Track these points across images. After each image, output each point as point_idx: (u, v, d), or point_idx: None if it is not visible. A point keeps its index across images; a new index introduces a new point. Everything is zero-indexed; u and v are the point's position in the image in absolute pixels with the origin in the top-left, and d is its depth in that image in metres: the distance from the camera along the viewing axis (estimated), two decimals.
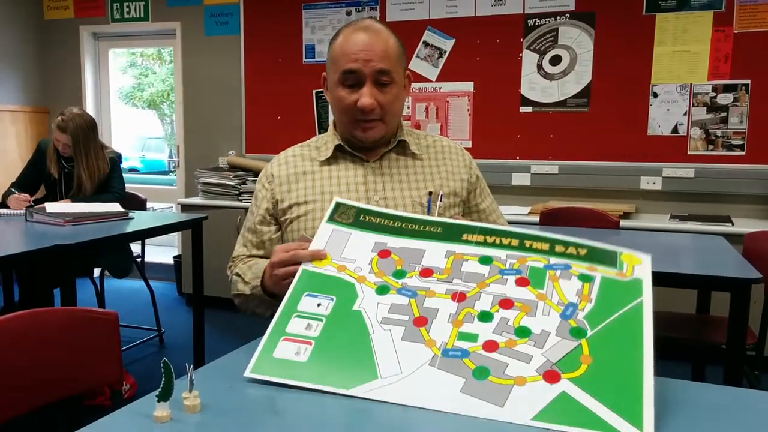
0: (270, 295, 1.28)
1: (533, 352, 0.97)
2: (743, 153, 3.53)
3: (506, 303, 1.04)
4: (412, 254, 1.15)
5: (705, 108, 3.58)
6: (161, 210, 5.21)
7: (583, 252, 1.10)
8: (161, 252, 5.34)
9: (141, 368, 3.32)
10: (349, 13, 4.25)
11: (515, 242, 1.14)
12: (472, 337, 1.00)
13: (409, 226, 1.20)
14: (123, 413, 0.89)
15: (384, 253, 1.16)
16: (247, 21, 4.50)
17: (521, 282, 1.07)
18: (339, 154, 1.44)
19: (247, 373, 1.02)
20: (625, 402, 0.88)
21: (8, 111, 4.92)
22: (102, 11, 4.95)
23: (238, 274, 1.39)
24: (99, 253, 3.35)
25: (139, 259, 3.71)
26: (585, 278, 1.06)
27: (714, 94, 3.55)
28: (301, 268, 1.16)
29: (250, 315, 1.39)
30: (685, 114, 3.61)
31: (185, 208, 4.22)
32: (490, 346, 0.99)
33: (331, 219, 1.23)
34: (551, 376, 0.93)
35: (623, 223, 3.17)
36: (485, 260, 1.11)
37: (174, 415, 0.87)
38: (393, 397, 0.94)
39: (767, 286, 2.25)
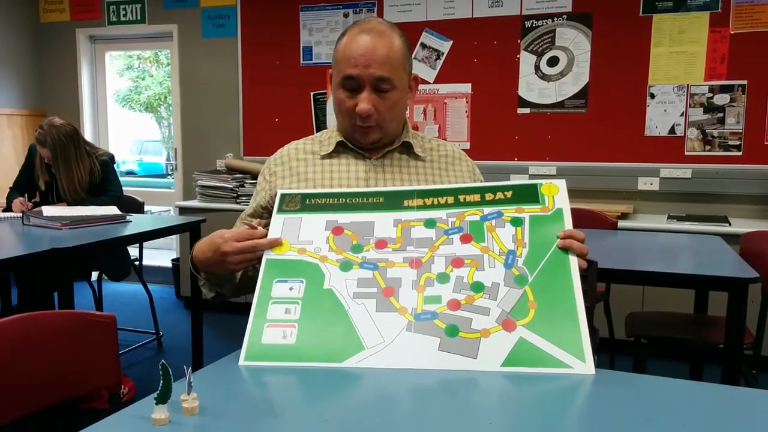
0: (199, 272, 1.31)
1: (489, 304, 1.11)
2: (740, 153, 3.54)
3: (457, 262, 1.16)
4: (363, 227, 1.23)
5: (702, 109, 3.58)
6: (159, 213, 5.20)
7: (509, 194, 1.24)
8: (159, 255, 5.33)
9: (139, 372, 3.31)
10: (346, 15, 4.25)
11: (450, 199, 1.25)
12: (436, 299, 1.12)
13: (354, 200, 1.28)
14: (121, 416, 0.89)
15: (337, 230, 1.23)
16: (245, 23, 4.50)
17: (465, 239, 1.19)
18: (341, 149, 1.44)
19: (241, 362, 1.07)
20: (568, 338, 1.06)
21: (5, 114, 4.92)
22: (98, 14, 4.95)
23: None
24: (97, 255, 3.35)
25: (137, 263, 3.70)
26: (516, 222, 1.20)
27: (711, 95, 3.56)
28: (264, 258, 1.21)
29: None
30: (682, 115, 3.62)
31: (183, 211, 4.21)
32: (454, 304, 1.11)
33: (280, 210, 1.29)
34: (508, 325, 1.08)
35: (621, 223, 3.18)
36: (430, 223, 1.22)
37: (173, 417, 0.87)
38: (382, 363, 1.05)
39: (764, 285, 2.25)
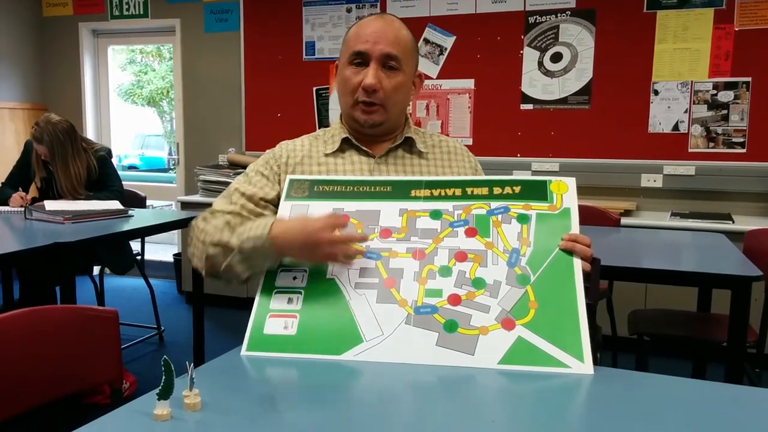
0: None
1: (490, 302, 1.10)
2: (744, 150, 3.52)
3: (461, 256, 1.16)
4: (368, 216, 1.23)
5: (706, 105, 3.57)
6: (161, 208, 5.20)
7: (517, 189, 1.23)
8: (161, 250, 5.34)
9: (141, 366, 3.32)
10: (349, 10, 4.24)
11: (458, 191, 1.25)
12: (437, 293, 1.12)
13: (362, 189, 1.28)
14: (123, 411, 0.89)
15: None
16: (247, 18, 4.49)
17: (470, 232, 1.19)
18: (346, 147, 1.44)
19: (243, 352, 1.10)
20: (567, 338, 1.05)
21: (7, 108, 4.92)
22: (101, 8, 4.94)
23: (228, 223, 1.27)
24: (99, 249, 3.34)
25: (138, 257, 3.70)
26: (523, 219, 1.19)
27: (715, 92, 3.55)
28: None
29: (211, 275, 1.28)
30: (685, 111, 3.61)
31: (185, 205, 4.21)
32: (454, 299, 1.11)
33: (288, 196, 1.29)
34: (508, 324, 1.08)
35: (624, 220, 3.17)
36: (435, 215, 1.22)
37: (174, 413, 0.87)
38: (379, 357, 1.06)
39: None
